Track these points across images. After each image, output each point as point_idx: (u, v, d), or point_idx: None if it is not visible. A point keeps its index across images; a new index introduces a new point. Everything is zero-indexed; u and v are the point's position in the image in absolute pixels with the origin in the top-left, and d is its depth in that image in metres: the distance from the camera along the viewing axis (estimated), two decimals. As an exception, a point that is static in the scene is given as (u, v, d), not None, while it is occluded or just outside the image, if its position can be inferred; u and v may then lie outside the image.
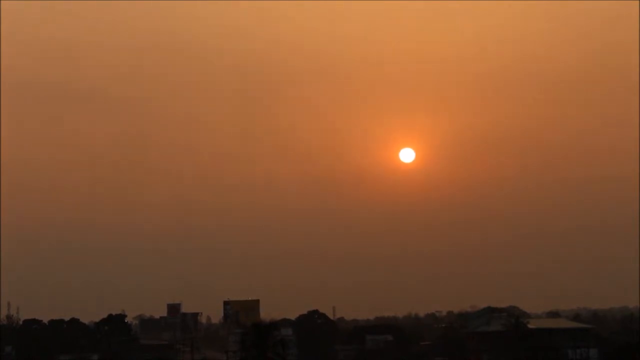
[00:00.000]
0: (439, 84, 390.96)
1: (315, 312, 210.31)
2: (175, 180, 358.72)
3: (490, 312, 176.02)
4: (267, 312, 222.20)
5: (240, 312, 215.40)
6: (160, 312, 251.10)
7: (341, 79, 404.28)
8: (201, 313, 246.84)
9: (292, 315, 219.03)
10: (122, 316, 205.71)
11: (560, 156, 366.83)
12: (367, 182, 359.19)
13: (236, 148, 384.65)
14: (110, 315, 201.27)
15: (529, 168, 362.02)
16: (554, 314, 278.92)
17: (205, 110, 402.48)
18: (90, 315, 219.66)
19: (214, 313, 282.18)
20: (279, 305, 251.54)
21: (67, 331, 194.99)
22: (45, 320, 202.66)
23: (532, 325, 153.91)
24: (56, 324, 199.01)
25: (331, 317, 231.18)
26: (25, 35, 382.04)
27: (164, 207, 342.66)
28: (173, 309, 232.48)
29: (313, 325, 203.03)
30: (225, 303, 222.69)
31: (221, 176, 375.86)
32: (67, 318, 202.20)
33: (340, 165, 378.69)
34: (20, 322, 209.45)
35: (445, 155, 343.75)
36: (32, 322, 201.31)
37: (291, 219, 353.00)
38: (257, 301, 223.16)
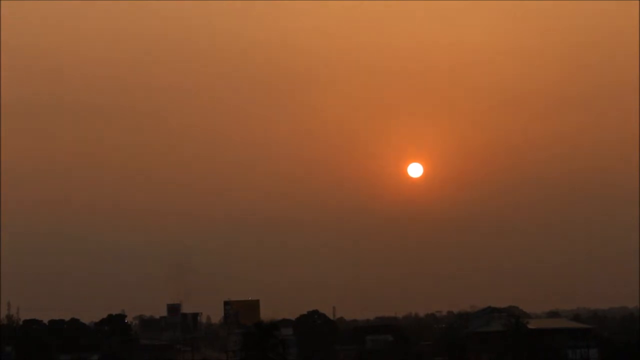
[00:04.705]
0: (449, 99, 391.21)
1: (315, 312, 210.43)
2: (174, 183, 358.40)
3: (490, 312, 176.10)
4: (267, 312, 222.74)
5: (240, 312, 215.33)
6: (160, 312, 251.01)
7: (349, 91, 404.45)
8: (201, 313, 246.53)
9: (292, 315, 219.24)
10: (122, 316, 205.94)
11: (565, 162, 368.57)
12: (372, 191, 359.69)
13: (237, 152, 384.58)
14: (110, 315, 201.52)
15: (534, 178, 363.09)
16: (554, 314, 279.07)
17: (209, 113, 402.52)
18: (90, 315, 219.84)
19: (214, 313, 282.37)
20: (279, 305, 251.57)
21: (67, 331, 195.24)
22: (45, 320, 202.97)
23: (532, 325, 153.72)
24: (56, 324, 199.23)
25: (331, 317, 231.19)
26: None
27: (164, 208, 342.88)
28: (173, 309, 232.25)
29: (313, 325, 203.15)
30: (225, 303, 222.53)
31: (222, 178, 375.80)
32: (67, 318, 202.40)
33: (346, 174, 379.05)
34: (20, 322, 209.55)
35: (453, 171, 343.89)
36: (32, 322, 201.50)
37: (293, 221, 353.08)
38: (257, 301, 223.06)
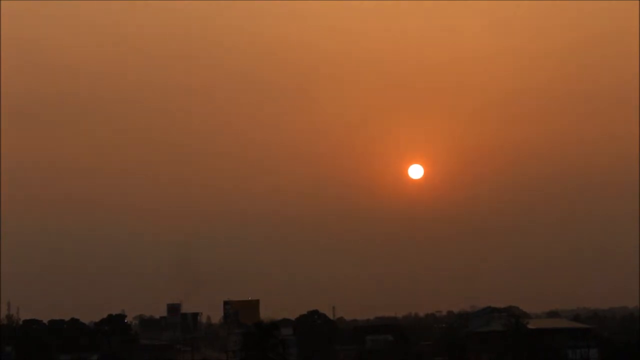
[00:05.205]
0: (450, 101, 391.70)
1: (315, 312, 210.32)
2: (174, 183, 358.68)
3: (490, 312, 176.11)
4: (267, 312, 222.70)
5: (240, 312, 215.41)
6: (160, 312, 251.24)
7: (350, 92, 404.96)
8: (201, 313, 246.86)
9: (292, 315, 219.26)
10: (122, 316, 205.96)
11: (566, 163, 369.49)
12: (373, 192, 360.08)
13: (238, 152, 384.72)
14: (110, 315, 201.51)
15: (535, 179, 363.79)
16: (554, 314, 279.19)
17: (210, 112, 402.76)
18: (90, 315, 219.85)
19: (214, 313, 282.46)
20: (279, 305, 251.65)
21: (67, 331, 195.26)
22: (45, 320, 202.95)
23: (532, 325, 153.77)
24: (56, 324, 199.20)
25: (331, 317, 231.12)
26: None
27: (164, 209, 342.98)
28: (173, 309, 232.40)
29: (313, 325, 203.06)
30: (225, 303, 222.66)
31: (222, 177, 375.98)
32: (67, 318, 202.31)
33: (347, 174, 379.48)
34: (20, 322, 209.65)
35: (454, 172, 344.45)
36: (32, 322, 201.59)
37: (294, 221, 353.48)
38: (257, 301, 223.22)
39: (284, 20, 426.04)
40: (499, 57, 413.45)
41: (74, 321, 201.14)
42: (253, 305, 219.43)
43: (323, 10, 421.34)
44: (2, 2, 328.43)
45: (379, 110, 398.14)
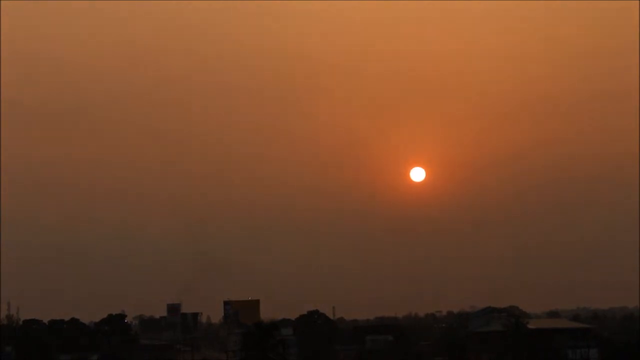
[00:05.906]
0: (452, 104, 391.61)
1: (315, 312, 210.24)
2: (174, 184, 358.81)
3: (490, 312, 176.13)
4: (267, 312, 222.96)
5: (240, 312, 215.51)
6: (160, 312, 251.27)
7: (353, 96, 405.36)
8: (201, 313, 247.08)
9: (292, 315, 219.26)
10: (122, 316, 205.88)
11: (566, 169, 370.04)
12: (375, 194, 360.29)
13: (242, 153, 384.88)
14: (110, 315, 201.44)
15: (535, 182, 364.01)
16: (554, 314, 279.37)
17: (212, 113, 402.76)
18: (90, 315, 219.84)
19: (214, 313, 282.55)
20: (279, 305, 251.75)
21: (67, 331, 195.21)
22: (45, 320, 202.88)
23: (532, 325, 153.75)
24: (56, 324, 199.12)
25: (331, 317, 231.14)
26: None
27: (164, 208, 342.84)
28: (173, 309, 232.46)
29: (313, 325, 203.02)
30: (225, 303, 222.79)
31: (224, 181, 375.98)
32: (67, 318, 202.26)
33: (349, 176, 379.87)
34: (20, 322, 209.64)
35: (455, 175, 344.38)
36: (32, 322, 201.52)
37: (296, 222, 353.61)
38: (257, 301, 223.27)
39: (285, 21, 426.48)
40: (501, 60, 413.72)
41: (74, 321, 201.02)
42: (253, 305, 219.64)
43: (326, 16, 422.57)
44: (2, 2, 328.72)
45: (381, 114, 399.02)
